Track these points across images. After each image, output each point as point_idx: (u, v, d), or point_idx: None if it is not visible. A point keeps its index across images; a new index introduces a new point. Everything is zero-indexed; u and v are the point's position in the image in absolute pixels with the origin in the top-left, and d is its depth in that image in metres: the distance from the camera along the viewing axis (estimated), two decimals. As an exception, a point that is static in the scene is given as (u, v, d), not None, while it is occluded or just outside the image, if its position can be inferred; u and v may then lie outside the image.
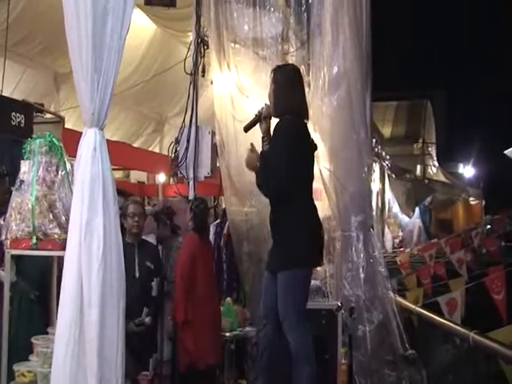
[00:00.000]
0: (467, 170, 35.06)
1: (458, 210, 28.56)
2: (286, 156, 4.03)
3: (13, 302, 4.64)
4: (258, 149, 4.37)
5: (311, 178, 4.31)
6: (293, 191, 4.05)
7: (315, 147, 4.41)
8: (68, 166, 3.64)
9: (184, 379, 5.22)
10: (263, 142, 4.29)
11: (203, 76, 7.06)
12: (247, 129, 4.49)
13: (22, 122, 7.15)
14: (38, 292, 4.71)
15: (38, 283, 4.65)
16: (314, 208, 4.29)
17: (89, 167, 3.09)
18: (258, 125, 4.41)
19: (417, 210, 24.92)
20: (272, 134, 4.24)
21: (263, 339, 4.15)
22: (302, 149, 4.17)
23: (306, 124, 4.31)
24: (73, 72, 3.18)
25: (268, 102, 4.38)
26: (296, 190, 4.08)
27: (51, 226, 3.46)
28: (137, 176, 14.79)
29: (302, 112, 4.30)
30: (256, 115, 4.36)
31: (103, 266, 3.01)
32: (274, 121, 4.36)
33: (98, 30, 3.15)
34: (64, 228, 3.33)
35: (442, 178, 29.82)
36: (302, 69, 7.46)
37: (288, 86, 4.27)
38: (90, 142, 3.13)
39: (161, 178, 12.85)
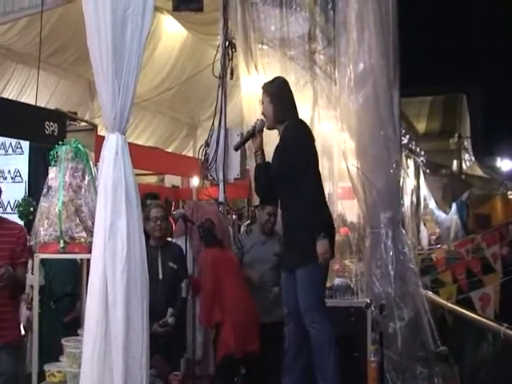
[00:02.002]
0: (505, 164, 34.35)
1: (496, 205, 27.96)
2: (309, 158, 4.36)
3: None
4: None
5: (319, 173, 4.56)
6: (307, 187, 4.30)
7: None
8: (94, 171, 3.72)
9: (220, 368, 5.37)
10: (256, 155, 4.65)
11: (231, 78, 7.12)
12: (238, 147, 4.86)
13: (56, 130, 7.28)
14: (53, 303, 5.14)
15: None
16: (325, 203, 4.51)
17: (111, 171, 3.15)
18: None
19: (454, 205, 24.55)
20: (283, 138, 4.49)
21: (287, 337, 4.26)
22: (313, 145, 4.47)
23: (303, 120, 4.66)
24: (94, 77, 3.25)
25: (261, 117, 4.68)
26: (310, 187, 4.32)
27: (78, 229, 3.54)
28: (171, 180, 14.93)
29: (297, 115, 4.63)
30: (248, 132, 4.71)
31: (127, 266, 3.07)
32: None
33: (118, 35, 3.20)
34: (90, 231, 3.40)
35: (478, 172, 29.34)
36: (330, 67, 7.55)
37: (283, 95, 4.60)
38: (112, 147, 3.19)
39: (195, 181, 12.94)
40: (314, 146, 4.48)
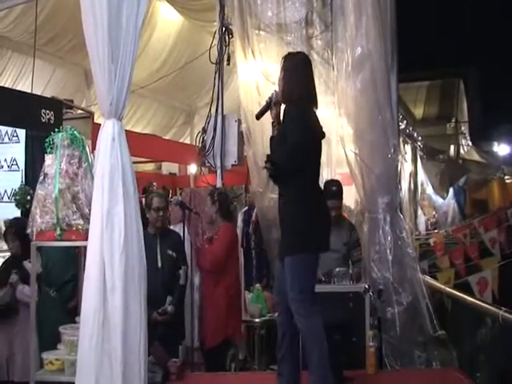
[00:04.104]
0: (502, 148, 34.24)
1: (493, 190, 27.95)
2: (297, 139, 4.03)
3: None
4: None
5: (319, 164, 4.27)
6: (302, 176, 4.05)
7: (323, 135, 4.36)
8: (90, 157, 3.70)
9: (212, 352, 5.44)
10: (273, 127, 4.29)
11: (228, 64, 7.08)
12: (259, 116, 4.49)
13: (52, 118, 7.27)
14: (54, 290, 5.08)
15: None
16: (322, 195, 4.28)
17: (108, 157, 3.14)
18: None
19: (451, 190, 24.58)
20: (282, 119, 4.22)
21: (281, 325, 4.13)
22: (310, 134, 4.14)
23: (314, 112, 4.27)
24: (90, 64, 3.23)
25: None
26: (305, 176, 4.08)
27: (75, 217, 3.52)
28: (169, 168, 14.92)
29: (311, 99, 4.27)
30: (267, 101, 4.33)
31: (125, 253, 3.06)
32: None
33: (114, 21, 3.19)
34: (87, 219, 3.37)
35: (475, 157, 29.32)
36: (328, 52, 7.50)
37: (298, 73, 4.24)
38: (108, 133, 3.18)
39: (192, 168, 12.94)
40: (311, 136, 4.14)
